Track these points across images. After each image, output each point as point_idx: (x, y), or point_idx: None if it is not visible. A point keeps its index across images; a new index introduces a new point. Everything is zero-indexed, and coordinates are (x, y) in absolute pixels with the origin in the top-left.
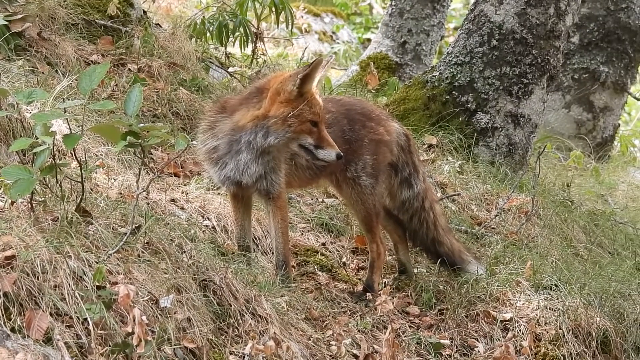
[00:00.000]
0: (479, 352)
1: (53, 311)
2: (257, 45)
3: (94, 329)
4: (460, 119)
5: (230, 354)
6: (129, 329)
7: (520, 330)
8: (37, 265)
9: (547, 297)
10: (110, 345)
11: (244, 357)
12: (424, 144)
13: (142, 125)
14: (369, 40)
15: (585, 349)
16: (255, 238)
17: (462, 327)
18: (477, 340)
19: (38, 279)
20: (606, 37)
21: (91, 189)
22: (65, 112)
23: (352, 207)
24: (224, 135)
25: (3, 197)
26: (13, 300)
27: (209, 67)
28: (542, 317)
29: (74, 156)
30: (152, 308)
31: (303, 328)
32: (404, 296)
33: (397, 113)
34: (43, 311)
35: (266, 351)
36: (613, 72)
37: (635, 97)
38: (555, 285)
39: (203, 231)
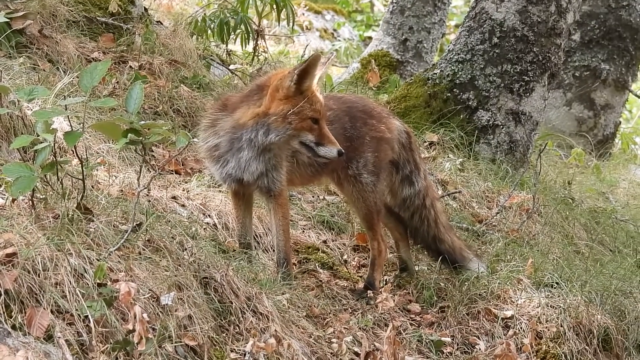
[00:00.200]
0: (480, 349)
1: (54, 309)
2: (258, 42)
3: (94, 326)
4: (461, 116)
5: (231, 351)
6: (130, 327)
7: (521, 328)
8: (38, 263)
9: (548, 295)
10: (111, 343)
11: (245, 354)
12: (425, 142)
13: (143, 122)
14: (370, 37)
15: (587, 347)
16: (256, 235)
17: (463, 325)
18: (478, 338)
19: (39, 276)
20: (607, 35)
21: (92, 187)
22: (66, 110)
23: (354, 205)
24: (225, 133)
25: (4, 195)
26: (14, 297)
27: (210, 65)
28: (543, 314)
29: (75, 153)
30: (153, 305)
31: (304, 325)
32: (405, 294)
33: (398, 110)
34: (44, 309)
35: (267, 349)
36: (614, 70)
37: (636, 95)
38: (557, 283)
39: (204, 229)
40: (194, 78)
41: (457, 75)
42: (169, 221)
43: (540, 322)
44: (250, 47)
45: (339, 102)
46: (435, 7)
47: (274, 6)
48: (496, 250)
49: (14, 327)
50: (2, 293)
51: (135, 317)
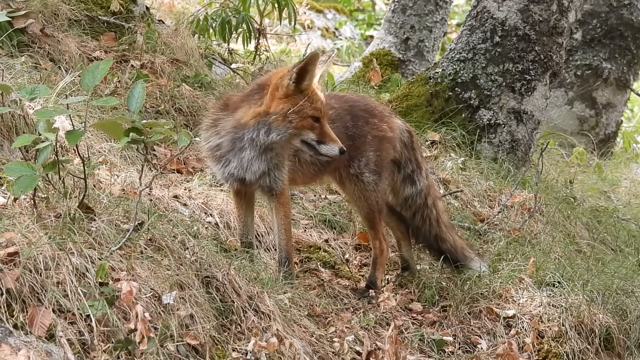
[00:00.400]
0: (481, 349)
1: (56, 308)
2: (260, 41)
3: (96, 325)
4: (463, 115)
5: (233, 350)
6: (132, 326)
7: (523, 327)
8: (40, 262)
9: (550, 294)
10: (112, 342)
11: (246, 353)
12: (427, 141)
13: (144, 121)
14: (371, 36)
15: (588, 346)
16: (258, 235)
17: (464, 324)
18: (480, 337)
19: (41, 275)
20: (609, 34)
21: (94, 186)
22: (68, 109)
23: (355, 204)
24: (226, 132)
25: (6, 194)
26: (16, 296)
27: (212, 64)
28: (545, 314)
29: (76, 152)
30: (154, 305)
31: (306, 325)
32: (407, 293)
33: (400, 109)
34: (46, 308)
35: (269, 348)
36: (616, 69)
37: (637, 94)
38: (558, 282)
39: (206, 228)
40: (195, 77)
41: (459, 74)
42: (171, 220)
43: (542, 322)
44: (251, 46)
45: (341, 101)
46: (436, 5)
47: (276, 5)
48: (498, 249)
49: (15, 326)
50: (4, 292)
51: (137, 316)
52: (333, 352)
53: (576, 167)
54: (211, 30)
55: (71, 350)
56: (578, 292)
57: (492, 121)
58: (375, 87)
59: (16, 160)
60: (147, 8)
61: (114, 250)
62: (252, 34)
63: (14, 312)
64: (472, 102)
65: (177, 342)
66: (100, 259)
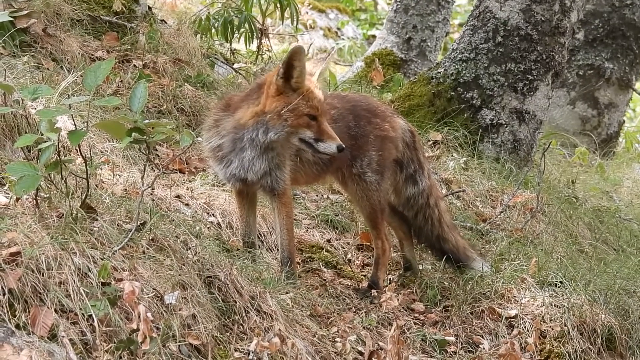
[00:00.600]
0: (484, 349)
1: (58, 308)
2: (262, 41)
3: (98, 325)
4: (465, 115)
5: (235, 350)
6: (134, 326)
7: (525, 327)
8: (42, 262)
9: (552, 294)
10: (115, 342)
11: (248, 353)
12: (429, 141)
13: (147, 121)
14: (373, 36)
15: (590, 346)
16: (260, 234)
17: (467, 324)
18: (482, 337)
19: (43, 275)
20: (611, 34)
21: (96, 186)
22: (70, 109)
23: (357, 204)
24: (227, 133)
25: (8, 194)
26: (18, 296)
27: (214, 64)
28: (547, 314)
29: (79, 152)
30: (157, 305)
31: (308, 325)
32: (409, 293)
33: (402, 109)
34: (48, 308)
35: (271, 348)
36: (618, 69)
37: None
38: (560, 282)
39: (208, 228)
40: (198, 77)
41: (461, 74)
42: (173, 220)
43: (544, 322)
44: (254, 46)
45: (343, 100)
46: (439, 5)
47: (278, 5)
48: (500, 249)
49: (17, 326)
50: (6, 292)
51: (139, 316)
52: (335, 352)
53: (578, 167)
54: (213, 30)
55: (73, 350)
56: (580, 292)
57: (495, 121)
58: (378, 87)
59: (18, 160)
60: (150, 8)
61: (116, 250)
62: (255, 33)
63: (16, 312)
64: (474, 102)
65: (180, 342)
66: (102, 259)
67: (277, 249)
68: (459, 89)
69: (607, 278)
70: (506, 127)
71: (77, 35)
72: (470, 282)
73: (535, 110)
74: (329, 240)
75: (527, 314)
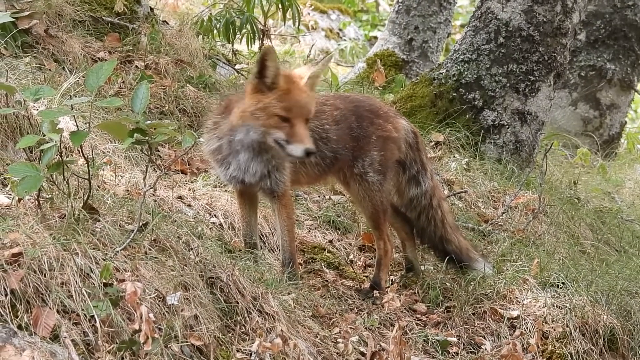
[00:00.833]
0: (486, 349)
1: (60, 308)
2: (264, 42)
3: (100, 326)
4: (467, 116)
5: (237, 351)
6: (136, 327)
7: (527, 328)
8: (44, 263)
9: (554, 295)
10: (117, 343)
11: (251, 354)
12: (431, 141)
13: (149, 122)
14: (375, 37)
15: (592, 347)
16: (262, 235)
17: (469, 325)
18: (484, 338)
19: (45, 276)
20: (613, 35)
21: (98, 186)
22: (72, 109)
23: (360, 204)
24: (224, 135)
25: (10, 194)
26: (20, 297)
27: (216, 64)
28: (549, 314)
29: (81, 153)
30: (159, 305)
31: (310, 325)
32: (411, 294)
33: (404, 110)
34: (50, 308)
35: (273, 349)
36: (619, 70)
37: None
38: (562, 283)
39: (210, 228)
40: (199, 78)
41: (463, 75)
42: (175, 221)
43: (546, 322)
44: (256, 47)
45: (346, 101)
46: (440, 6)
47: (280, 6)
48: (502, 250)
49: (20, 327)
50: (8, 293)
51: (141, 317)
52: (337, 353)
53: (580, 168)
54: (215, 31)
55: (75, 350)
56: (582, 293)
57: (496, 122)
58: (380, 88)
59: (20, 161)
60: (151, 9)
61: (118, 251)
62: (256, 34)
63: (18, 313)
64: (476, 103)
65: (182, 342)
66: (104, 260)
67: (279, 250)
68: (460, 90)
69: (609, 279)
70: (508, 128)
71: (79, 36)
72: (472, 283)
73: (537, 111)
74: (331, 241)
75: (529, 315)
